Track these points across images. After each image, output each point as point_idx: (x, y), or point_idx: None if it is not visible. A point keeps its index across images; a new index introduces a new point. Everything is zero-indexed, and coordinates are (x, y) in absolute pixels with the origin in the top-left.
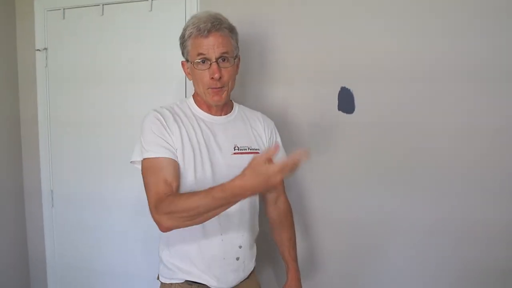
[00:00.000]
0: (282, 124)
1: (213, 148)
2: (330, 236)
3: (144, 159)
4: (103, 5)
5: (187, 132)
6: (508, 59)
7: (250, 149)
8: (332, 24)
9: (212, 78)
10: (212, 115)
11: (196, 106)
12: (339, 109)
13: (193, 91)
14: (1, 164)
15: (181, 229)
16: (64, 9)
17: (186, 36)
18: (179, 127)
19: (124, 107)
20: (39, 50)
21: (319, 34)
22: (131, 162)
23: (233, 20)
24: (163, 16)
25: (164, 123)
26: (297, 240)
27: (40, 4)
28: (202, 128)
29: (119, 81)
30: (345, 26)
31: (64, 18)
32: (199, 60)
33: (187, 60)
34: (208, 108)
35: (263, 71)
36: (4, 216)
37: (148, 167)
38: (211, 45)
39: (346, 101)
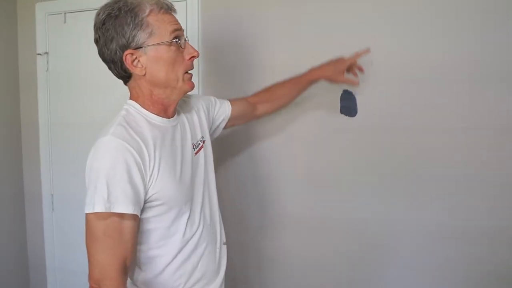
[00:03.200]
0: (281, 125)
1: (181, 157)
2: (333, 239)
3: (101, 213)
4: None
5: (160, 153)
6: (510, 60)
7: (201, 141)
8: (332, 25)
9: (193, 57)
10: (168, 117)
11: (148, 112)
12: (341, 112)
13: (139, 94)
14: (1, 168)
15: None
16: (65, 13)
17: (142, 14)
18: (156, 160)
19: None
20: (40, 54)
21: (319, 34)
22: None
23: (233, 21)
24: None
25: (139, 160)
26: (301, 244)
27: (41, 8)
28: (166, 137)
29: (121, 85)
30: (345, 27)
31: (65, 22)
32: (172, 39)
33: (139, 47)
34: (164, 110)
35: (260, 72)
36: (4, 220)
37: (105, 229)
38: (178, 22)
39: (348, 104)
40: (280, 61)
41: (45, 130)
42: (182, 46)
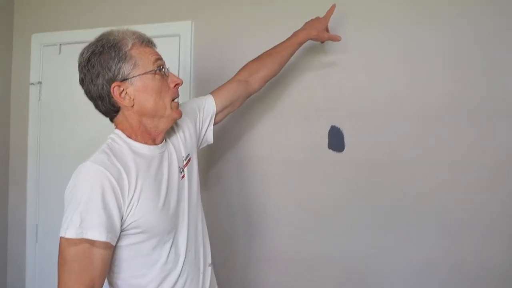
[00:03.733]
0: (269, 159)
1: (167, 184)
2: (318, 274)
3: (72, 239)
4: None
5: (142, 181)
6: (498, 97)
7: (186, 159)
8: (322, 60)
9: (177, 84)
10: (155, 145)
11: (135, 141)
12: (329, 147)
13: (126, 126)
14: None
15: None
16: (60, 44)
17: (125, 48)
18: (137, 188)
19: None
20: (33, 83)
21: (309, 70)
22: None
23: (226, 58)
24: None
25: (120, 193)
26: (287, 277)
27: (37, 39)
28: (152, 165)
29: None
30: (334, 63)
31: (60, 53)
32: (156, 68)
33: (125, 79)
34: (152, 139)
35: (250, 104)
36: None
37: (74, 254)
38: (158, 53)
39: (336, 140)
40: (268, 95)
41: (34, 159)
42: (166, 74)
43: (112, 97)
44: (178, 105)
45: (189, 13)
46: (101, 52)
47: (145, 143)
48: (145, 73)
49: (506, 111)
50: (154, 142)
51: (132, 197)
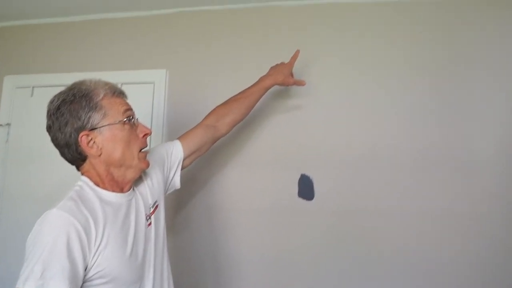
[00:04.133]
0: (238, 206)
1: (134, 233)
2: None
3: None
4: None
5: (110, 231)
6: (465, 148)
7: (153, 207)
8: (289, 106)
9: (146, 134)
10: (123, 193)
11: (102, 189)
12: (299, 196)
13: (93, 174)
14: None
15: None
16: (33, 87)
17: (96, 98)
18: (104, 237)
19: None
20: (1, 125)
21: (277, 116)
22: None
23: (198, 104)
24: (131, 99)
25: (85, 241)
26: None
27: (10, 81)
28: (119, 214)
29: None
30: (301, 109)
31: (32, 95)
32: (125, 119)
33: (94, 129)
34: (120, 188)
35: (219, 150)
36: None
37: None
38: (129, 104)
39: (306, 188)
40: (238, 144)
41: None
42: (135, 124)
43: (79, 145)
44: (145, 155)
45: (164, 62)
46: (72, 101)
47: (113, 191)
48: (114, 123)
49: (472, 161)
50: (121, 190)
51: (99, 246)
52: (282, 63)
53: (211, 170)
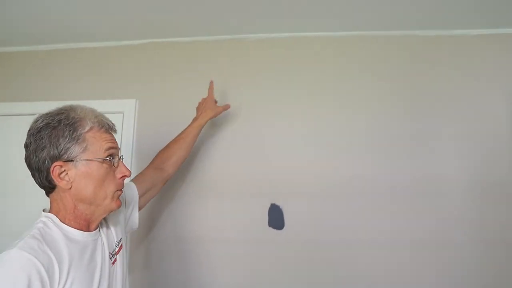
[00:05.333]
0: (208, 238)
1: (100, 273)
2: None
3: None
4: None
5: (75, 271)
6: (432, 178)
7: (117, 245)
8: (264, 140)
9: (124, 176)
10: (89, 231)
11: (68, 226)
12: (269, 225)
13: (61, 208)
14: None
15: None
16: None
17: (81, 130)
18: (69, 276)
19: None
20: None
21: (250, 149)
22: None
23: (168, 134)
24: None
25: (46, 282)
26: None
27: None
28: (85, 253)
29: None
30: (275, 144)
31: None
32: (105, 157)
33: (70, 160)
34: (87, 225)
35: (188, 183)
36: None
37: None
38: (117, 142)
39: (276, 218)
40: (207, 174)
41: None
42: (115, 165)
43: (50, 174)
44: (119, 196)
45: (134, 92)
46: (55, 127)
47: (79, 228)
48: (93, 159)
49: (439, 189)
50: (88, 228)
51: (63, 287)
52: (204, 99)
53: (180, 202)
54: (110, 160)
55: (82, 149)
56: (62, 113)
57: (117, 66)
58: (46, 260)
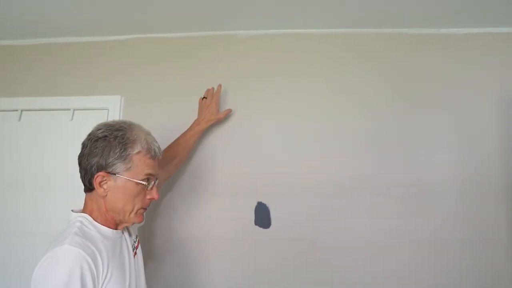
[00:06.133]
0: (197, 238)
1: (128, 265)
2: None
3: None
4: (21, 110)
5: (112, 263)
6: (422, 176)
7: (135, 241)
8: (249, 140)
9: (152, 199)
10: (116, 230)
11: (101, 225)
12: (255, 224)
13: (94, 208)
14: None
15: None
16: None
17: (130, 151)
18: (109, 268)
19: (40, 217)
20: None
21: (237, 148)
22: None
23: (154, 131)
24: (84, 126)
25: (95, 273)
26: None
27: None
28: (116, 248)
29: (36, 190)
30: (262, 142)
31: None
32: (142, 181)
33: (113, 174)
34: (115, 225)
35: (174, 183)
36: None
37: None
38: (157, 168)
39: (262, 216)
40: (195, 172)
41: None
42: (148, 188)
43: (93, 178)
44: (144, 211)
45: (119, 88)
46: (110, 141)
47: (109, 227)
48: (132, 179)
49: (430, 188)
50: (116, 227)
51: (105, 279)
52: (204, 103)
53: (167, 201)
54: (145, 184)
55: (126, 168)
56: (120, 130)
57: (102, 61)
58: (92, 253)
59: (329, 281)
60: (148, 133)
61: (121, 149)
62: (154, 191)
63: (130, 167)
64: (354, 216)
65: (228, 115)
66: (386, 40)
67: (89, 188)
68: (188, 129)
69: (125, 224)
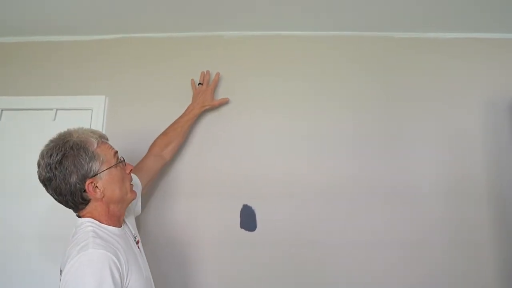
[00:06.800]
0: (182, 241)
1: (139, 256)
2: None
3: None
4: (2, 110)
5: (127, 257)
6: (406, 179)
7: (135, 235)
8: (235, 142)
9: (131, 170)
10: (120, 227)
11: (107, 225)
12: (241, 227)
13: (95, 214)
14: None
15: None
16: None
17: (91, 148)
18: (128, 263)
19: (21, 217)
20: None
21: (221, 150)
22: None
23: (141, 135)
24: (67, 126)
25: (121, 269)
26: None
27: None
28: (126, 243)
29: (17, 190)
30: (248, 145)
31: None
32: (118, 162)
33: (95, 175)
34: (118, 220)
35: (159, 185)
36: None
37: None
38: (112, 147)
39: (247, 219)
40: (182, 173)
41: None
42: (124, 164)
43: (84, 192)
44: (132, 186)
45: (103, 88)
46: (71, 154)
47: (114, 226)
48: (111, 167)
49: (413, 191)
50: (119, 223)
51: (127, 273)
52: (203, 90)
53: (152, 203)
54: (121, 162)
55: (100, 162)
56: (68, 141)
57: (86, 61)
58: (114, 252)
59: (314, 282)
60: (85, 128)
61: (85, 152)
62: (127, 163)
63: (102, 160)
64: (340, 218)
65: (223, 103)
66: (375, 43)
67: (83, 203)
68: (183, 114)
69: (124, 212)
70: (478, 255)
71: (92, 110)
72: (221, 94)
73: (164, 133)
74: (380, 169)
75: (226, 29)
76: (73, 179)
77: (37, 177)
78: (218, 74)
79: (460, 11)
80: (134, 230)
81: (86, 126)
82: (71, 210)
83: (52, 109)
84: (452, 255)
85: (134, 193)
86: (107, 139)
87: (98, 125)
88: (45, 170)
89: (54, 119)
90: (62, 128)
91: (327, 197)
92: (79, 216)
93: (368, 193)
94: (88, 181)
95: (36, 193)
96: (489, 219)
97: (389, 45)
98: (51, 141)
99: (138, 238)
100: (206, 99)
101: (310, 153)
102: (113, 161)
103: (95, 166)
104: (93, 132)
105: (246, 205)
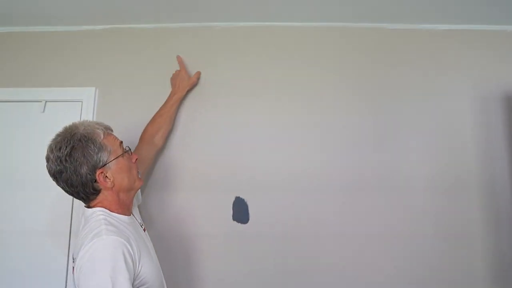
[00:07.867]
0: (175, 234)
1: (148, 243)
2: None
3: None
4: None
5: (137, 244)
6: (398, 172)
7: (140, 219)
8: (227, 134)
9: (136, 158)
10: (129, 215)
11: (118, 214)
12: (233, 219)
13: (105, 204)
14: None
15: None
16: None
17: (99, 139)
18: (139, 250)
19: (8, 210)
20: None
21: (214, 142)
22: None
23: (132, 127)
24: (56, 118)
25: (133, 255)
26: None
27: None
28: (136, 231)
29: (4, 183)
30: (240, 137)
31: None
32: (124, 151)
33: (104, 165)
34: (127, 208)
35: (152, 179)
36: None
37: None
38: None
39: (240, 211)
40: (176, 167)
41: None
42: (130, 154)
43: (95, 182)
44: (139, 174)
45: (93, 80)
46: (80, 145)
47: (124, 214)
48: (118, 156)
49: (404, 184)
50: (128, 211)
51: (139, 258)
52: (178, 72)
53: (142, 197)
54: (127, 151)
55: (108, 152)
56: (75, 134)
57: (76, 52)
58: (126, 238)
59: (308, 273)
60: (90, 120)
61: (93, 144)
62: (132, 153)
63: (109, 150)
64: (334, 210)
65: (199, 77)
66: (366, 35)
67: (94, 193)
68: (167, 100)
69: (132, 198)
70: (470, 248)
71: (82, 101)
72: (213, 85)
73: (152, 120)
74: (372, 162)
75: (217, 20)
76: (84, 170)
77: (25, 170)
78: (179, 57)
79: (452, 2)
80: (140, 219)
81: (75, 118)
82: (55, 202)
83: (41, 101)
84: (444, 248)
85: (141, 180)
86: (112, 130)
87: (88, 117)
88: (55, 163)
89: (43, 111)
90: (52, 120)
91: (320, 190)
92: (88, 207)
93: (360, 186)
94: (98, 171)
95: (23, 186)
96: (481, 212)
97: (381, 37)
98: (58, 135)
99: (144, 226)
100: (183, 79)
101: (303, 146)
102: (120, 151)
103: (104, 157)
104: (98, 124)
105: (239, 197)
